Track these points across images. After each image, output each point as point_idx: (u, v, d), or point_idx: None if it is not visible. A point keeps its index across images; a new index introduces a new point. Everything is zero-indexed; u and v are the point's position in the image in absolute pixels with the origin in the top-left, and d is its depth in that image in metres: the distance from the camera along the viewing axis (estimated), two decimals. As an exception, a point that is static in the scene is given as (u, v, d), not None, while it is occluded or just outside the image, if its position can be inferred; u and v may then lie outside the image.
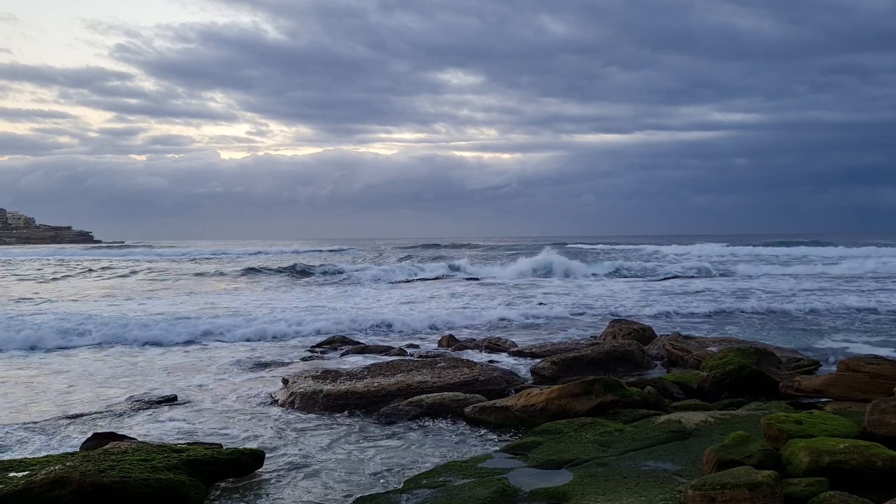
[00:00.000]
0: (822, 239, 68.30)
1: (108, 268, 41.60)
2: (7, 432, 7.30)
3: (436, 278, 32.20)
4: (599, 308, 18.87)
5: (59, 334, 13.48)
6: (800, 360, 10.28)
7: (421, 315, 16.93)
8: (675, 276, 32.41)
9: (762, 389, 8.37)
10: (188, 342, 13.61)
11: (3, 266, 44.03)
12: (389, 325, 15.60)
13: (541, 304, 19.64)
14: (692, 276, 32.66)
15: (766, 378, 8.50)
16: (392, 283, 30.27)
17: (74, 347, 12.90)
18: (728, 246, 61.18)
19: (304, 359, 11.78)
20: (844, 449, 4.77)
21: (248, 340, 13.89)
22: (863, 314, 17.54)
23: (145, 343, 13.40)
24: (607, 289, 25.21)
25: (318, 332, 14.57)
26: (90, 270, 39.35)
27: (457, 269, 35.54)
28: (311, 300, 21.75)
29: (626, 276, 33.17)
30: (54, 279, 32.85)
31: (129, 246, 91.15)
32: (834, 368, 9.02)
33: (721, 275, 33.29)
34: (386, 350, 12.34)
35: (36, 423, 7.69)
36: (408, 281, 31.01)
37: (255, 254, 61.29)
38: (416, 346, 12.99)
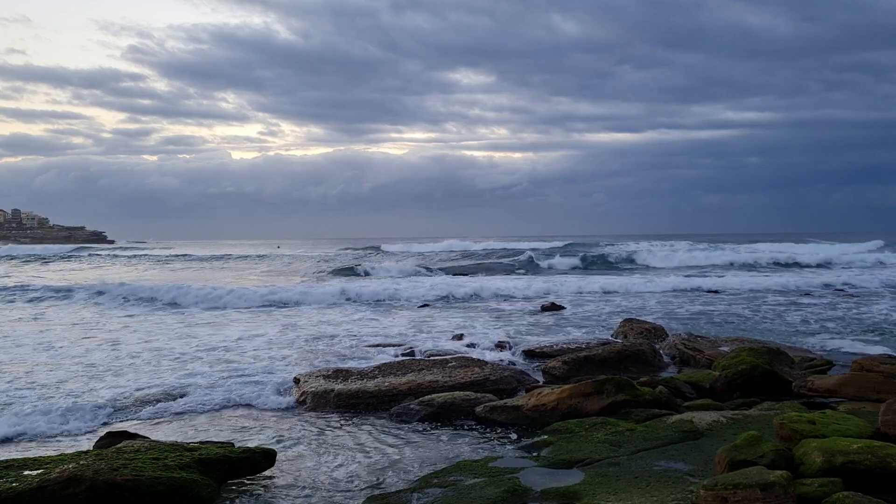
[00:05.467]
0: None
1: None
2: None
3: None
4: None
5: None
6: (812, 359, 10.20)
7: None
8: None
9: (775, 389, 8.31)
10: None
11: None
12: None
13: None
14: None
15: (779, 378, 8.44)
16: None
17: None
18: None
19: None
20: (858, 449, 4.73)
21: None
22: None
23: None
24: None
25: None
26: None
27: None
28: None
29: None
30: None
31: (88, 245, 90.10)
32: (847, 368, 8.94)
33: None
34: (397, 346, 12.36)
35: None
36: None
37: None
38: (428, 345, 13.00)
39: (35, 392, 9.12)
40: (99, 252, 65.29)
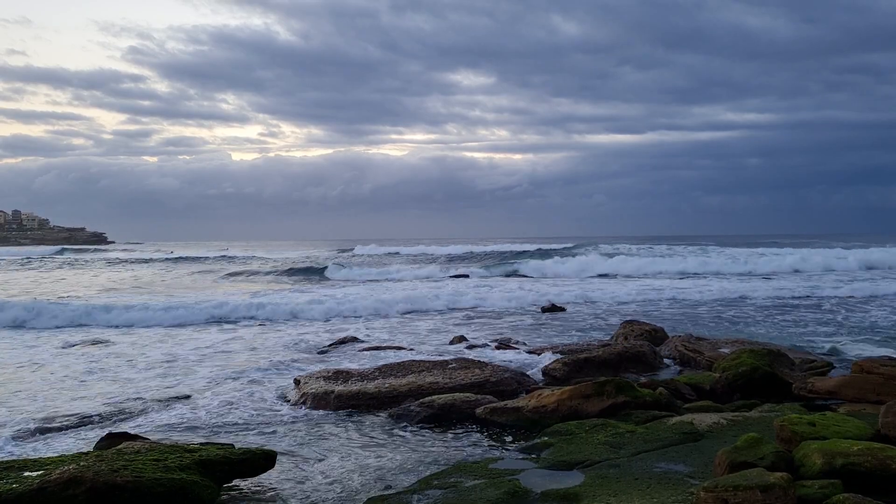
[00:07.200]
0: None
1: None
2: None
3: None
4: None
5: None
6: (813, 361, 10.20)
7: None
8: None
9: (775, 391, 8.30)
10: None
11: None
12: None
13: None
14: None
15: (780, 379, 8.44)
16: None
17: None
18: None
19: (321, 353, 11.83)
20: (858, 451, 4.73)
21: None
22: None
23: None
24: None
25: None
26: None
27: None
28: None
29: None
30: None
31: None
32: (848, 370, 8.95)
33: None
34: (397, 349, 12.36)
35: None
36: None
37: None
38: (428, 346, 13.00)
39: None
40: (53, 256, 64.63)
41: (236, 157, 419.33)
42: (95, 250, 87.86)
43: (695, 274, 34.48)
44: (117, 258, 59.22)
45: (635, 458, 5.79)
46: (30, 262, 52.48)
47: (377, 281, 32.68)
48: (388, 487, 5.57)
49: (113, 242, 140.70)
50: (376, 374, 9.38)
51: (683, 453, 5.87)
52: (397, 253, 59.30)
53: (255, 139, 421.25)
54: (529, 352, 11.93)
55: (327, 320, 17.41)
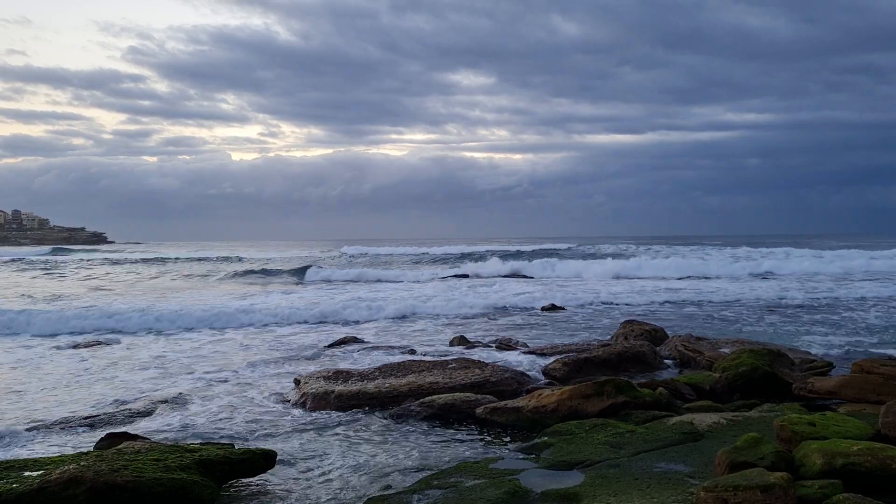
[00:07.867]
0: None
1: None
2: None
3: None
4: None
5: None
6: (813, 361, 10.20)
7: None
8: None
9: (775, 391, 8.31)
10: None
11: None
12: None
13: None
14: None
15: (780, 379, 8.44)
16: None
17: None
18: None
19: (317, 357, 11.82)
20: (858, 451, 4.73)
21: None
22: None
23: None
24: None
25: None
26: None
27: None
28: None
29: None
30: None
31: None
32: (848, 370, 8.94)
33: None
34: (397, 349, 12.36)
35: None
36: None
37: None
38: (428, 346, 13.01)
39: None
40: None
41: (236, 157, 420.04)
42: (84, 251, 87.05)
43: (694, 274, 34.44)
44: (105, 259, 58.58)
45: (635, 458, 5.79)
46: (18, 263, 52.08)
47: (373, 281, 32.53)
48: (388, 487, 5.57)
49: (113, 242, 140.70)
50: (376, 374, 9.38)
51: (683, 453, 5.87)
52: (391, 254, 58.97)
53: (255, 139, 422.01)
54: (529, 352, 11.93)
55: (320, 322, 17.28)
